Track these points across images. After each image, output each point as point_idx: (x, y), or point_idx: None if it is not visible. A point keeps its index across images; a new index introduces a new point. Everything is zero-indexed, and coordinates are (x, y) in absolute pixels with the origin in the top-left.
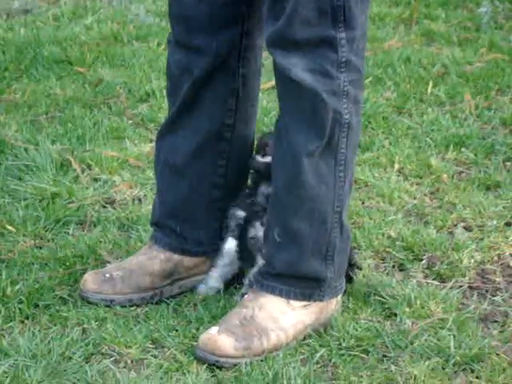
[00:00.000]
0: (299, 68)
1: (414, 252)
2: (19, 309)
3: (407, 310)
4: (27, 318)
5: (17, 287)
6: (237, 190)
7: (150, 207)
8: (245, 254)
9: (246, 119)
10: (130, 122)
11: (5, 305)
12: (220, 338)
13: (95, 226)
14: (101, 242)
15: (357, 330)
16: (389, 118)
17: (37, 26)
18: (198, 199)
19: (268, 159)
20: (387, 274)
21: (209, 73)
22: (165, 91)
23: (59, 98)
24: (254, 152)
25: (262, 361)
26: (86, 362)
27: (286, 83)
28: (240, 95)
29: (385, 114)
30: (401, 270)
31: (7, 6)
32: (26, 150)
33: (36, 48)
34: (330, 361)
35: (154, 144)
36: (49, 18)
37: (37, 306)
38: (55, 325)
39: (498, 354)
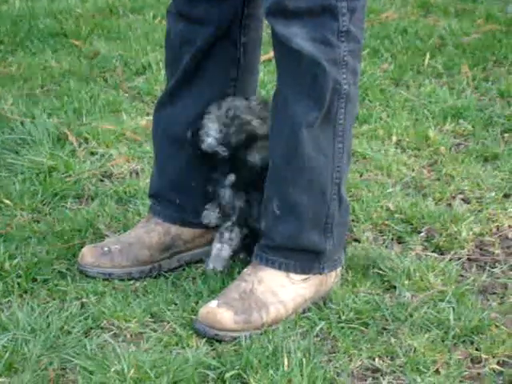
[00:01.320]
0: (300, 37)
1: (412, 224)
2: (17, 283)
3: (406, 282)
4: (25, 292)
5: (15, 261)
6: None
7: (148, 181)
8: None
9: (245, 88)
10: (127, 95)
11: (3, 279)
12: (219, 312)
13: (93, 199)
14: (98, 215)
15: (356, 302)
16: (386, 90)
17: None
18: (196, 169)
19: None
20: (386, 246)
21: (210, 43)
22: (161, 64)
23: (55, 70)
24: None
25: (261, 334)
26: (86, 336)
27: (285, 53)
28: (241, 64)
29: (382, 86)
30: (399, 243)
31: None
32: (22, 123)
33: (31, 21)
34: (330, 334)
35: (150, 117)
36: None
37: (35, 280)
38: (54, 299)
39: (497, 326)
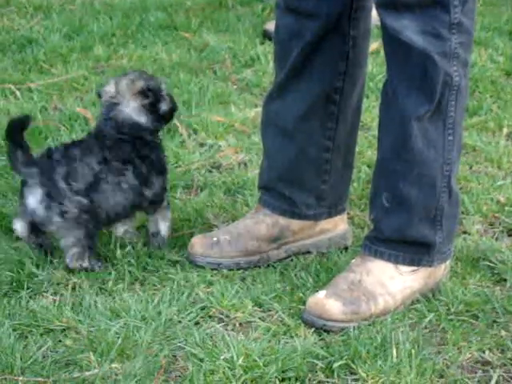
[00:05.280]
0: (410, 30)
1: None
2: (129, 271)
3: None
4: (136, 280)
5: (126, 250)
6: (345, 152)
7: (256, 172)
8: None
9: (354, 81)
10: (235, 86)
11: (114, 266)
12: (328, 302)
13: (202, 190)
14: (207, 205)
15: (466, 295)
16: (497, 81)
17: None
18: (306, 162)
19: None
20: (496, 239)
21: (319, 36)
22: (270, 56)
23: (165, 63)
24: None
25: (369, 325)
26: (195, 325)
27: (395, 46)
28: (350, 57)
29: (493, 77)
30: (510, 235)
31: None
32: None
33: (142, 14)
34: (439, 326)
35: (259, 109)
36: None
37: (145, 268)
38: (164, 287)
39: None
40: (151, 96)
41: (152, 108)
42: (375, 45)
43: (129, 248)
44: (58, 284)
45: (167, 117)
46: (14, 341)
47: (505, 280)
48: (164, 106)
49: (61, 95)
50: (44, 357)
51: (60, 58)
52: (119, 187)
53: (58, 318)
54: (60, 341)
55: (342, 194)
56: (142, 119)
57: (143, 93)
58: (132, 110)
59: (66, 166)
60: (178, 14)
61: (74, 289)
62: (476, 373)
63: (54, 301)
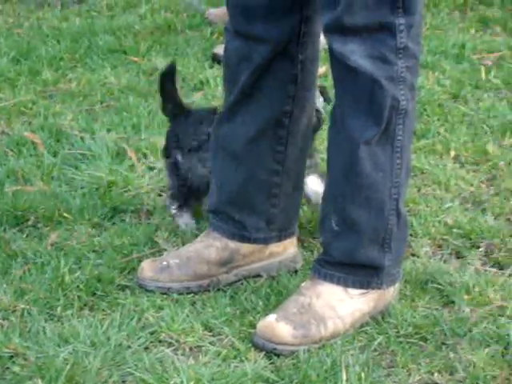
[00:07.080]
0: (357, 55)
1: (471, 239)
2: (78, 296)
3: (465, 297)
4: (85, 305)
5: (75, 275)
6: (294, 176)
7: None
8: None
9: (303, 105)
10: None
11: (63, 291)
12: (278, 326)
13: (151, 214)
14: (157, 229)
15: (415, 317)
16: (444, 104)
17: (91, 16)
18: (256, 186)
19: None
20: (444, 261)
21: (269, 60)
22: (219, 80)
23: (114, 87)
24: None
25: (319, 348)
26: (145, 350)
27: (343, 70)
28: (299, 81)
29: (440, 100)
30: (458, 258)
31: None
32: (82, 138)
33: (90, 37)
34: (388, 348)
35: None
36: (103, 7)
37: (94, 293)
38: (113, 312)
39: None
40: None
41: None
42: (323, 68)
43: (78, 273)
44: (5, 310)
45: None
46: None
47: (453, 302)
48: None
49: (9, 119)
50: None
51: (7, 82)
52: None
53: (5, 344)
54: (8, 368)
55: (291, 218)
56: None
57: None
58: None
59: None
60: (126, 38)
61: (22, 315)
62: None
63: (2, 327)
